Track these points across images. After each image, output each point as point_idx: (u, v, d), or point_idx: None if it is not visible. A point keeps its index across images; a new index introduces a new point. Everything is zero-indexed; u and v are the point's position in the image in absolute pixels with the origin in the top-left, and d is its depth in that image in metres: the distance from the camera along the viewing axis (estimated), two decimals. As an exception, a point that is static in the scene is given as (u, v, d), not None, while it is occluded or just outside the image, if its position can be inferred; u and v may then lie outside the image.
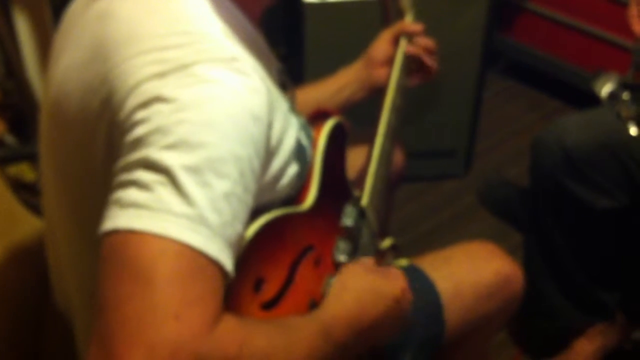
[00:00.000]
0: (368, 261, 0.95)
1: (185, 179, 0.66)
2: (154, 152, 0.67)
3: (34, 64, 1.90)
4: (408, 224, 2.10)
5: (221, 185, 0.68)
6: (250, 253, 0.77)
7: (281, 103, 0.86)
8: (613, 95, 1.38)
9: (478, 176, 2.27)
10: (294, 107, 0.95)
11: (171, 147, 0.66)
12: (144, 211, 0.65)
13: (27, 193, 1.54)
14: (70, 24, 0.86)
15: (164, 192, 0.65)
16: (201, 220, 0.66)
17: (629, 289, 1.64)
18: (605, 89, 1.39)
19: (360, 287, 0.88)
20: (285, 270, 0.83)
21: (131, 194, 0.66)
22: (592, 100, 1.53)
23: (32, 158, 1.79)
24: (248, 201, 0.72)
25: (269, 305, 0.79)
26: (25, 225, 1.14)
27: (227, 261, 0.68)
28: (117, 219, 0.66)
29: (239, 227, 0.71)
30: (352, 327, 0.82)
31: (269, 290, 0.80)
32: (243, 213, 0.71)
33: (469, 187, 2.25)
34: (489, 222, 2.13)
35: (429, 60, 1.32)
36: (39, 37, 1.88)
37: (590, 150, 1.46)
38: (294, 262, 0.85)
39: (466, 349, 1.23)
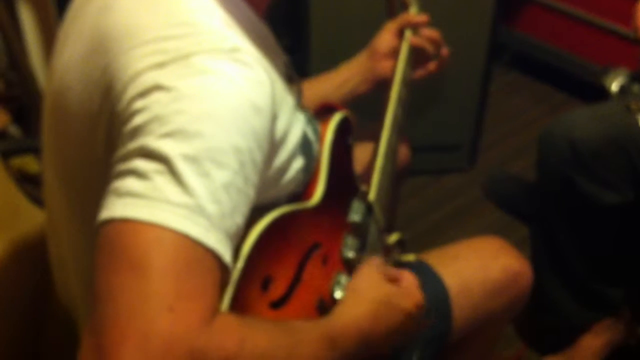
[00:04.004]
0: (388, 269, 0.92)
1: (183, 168, 0.65)
2: (151, 141, 0.66)
3: (38, 55, 1.89)
4: (412, 218, 2.09)
5: (221, 176, 0.66)
6: (258, 251, 0.76)
7: (287, 96, 0.85)
8: (623, 89, 1.37)
9: (483, 170, 2.26)
10: (300, 101, 0.93)
11: (169, 135, 0.65)
12: (141, 200, 0.64)
13: (31, 185, 1.53)
14: (74, 15, 0.86)
15: (161, 181, 0.64)
16: (200, 211, 0.64)
17: (634, 284, 1.64)
18: (616, 84, 1.38)
19: (376, 299, 0.85)
20: (292, 268, 0.82)
21: (128, 183, 0.65)
22: (599, 93, 1.52)
23: (36, 150, 1.78)
24: (249, 193, 0.71)
25: (278, 304, 0.78)
26: (29, 218, 1.13)
27: (226, 253, 0.67)
28: (114, 208, 0.65)
29: (238, 219, 0.69)
30: (361, 338, 0.81)
31: (277, 288, 0.79)
32: (243, 205, 0.70)
33: (473, 181, 2.23)
34: (494, 216, 2.12)
35: (435, 51, 1.30)
36: (42, 28, 1.87)
37: (598, 144, 1.44)
38: (302, 260, 0.84)
39: (473, 346, 1.22)
